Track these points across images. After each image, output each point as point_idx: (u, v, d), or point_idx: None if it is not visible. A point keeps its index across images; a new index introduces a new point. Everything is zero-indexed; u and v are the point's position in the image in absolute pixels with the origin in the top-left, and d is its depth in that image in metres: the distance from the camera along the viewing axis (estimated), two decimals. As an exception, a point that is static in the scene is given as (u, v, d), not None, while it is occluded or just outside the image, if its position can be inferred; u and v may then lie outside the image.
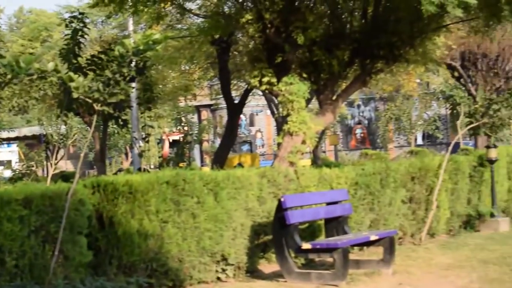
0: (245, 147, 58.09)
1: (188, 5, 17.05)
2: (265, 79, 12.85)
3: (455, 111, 21.44)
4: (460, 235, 14.97)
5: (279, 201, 10.71)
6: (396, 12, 13.00)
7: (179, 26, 23.56)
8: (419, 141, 54.21)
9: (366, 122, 58.27)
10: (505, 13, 12.28)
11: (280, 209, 10.65)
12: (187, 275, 10.17)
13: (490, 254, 12.46)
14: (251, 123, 59.10)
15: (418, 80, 43.83)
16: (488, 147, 15.87)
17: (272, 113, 33.82)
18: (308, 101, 18.78)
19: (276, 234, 10.83)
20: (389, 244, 11.21)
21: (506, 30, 19.38)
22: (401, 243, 13.73)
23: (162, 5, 14.99)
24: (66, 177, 21.30)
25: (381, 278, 10.83)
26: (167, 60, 25.31)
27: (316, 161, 25.03)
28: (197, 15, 17.62)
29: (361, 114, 58.28)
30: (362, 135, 58.67)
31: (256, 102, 44.77)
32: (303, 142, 12.80)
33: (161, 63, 26.31)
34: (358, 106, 57.28)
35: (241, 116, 51.40)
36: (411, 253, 12.82)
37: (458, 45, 19.20)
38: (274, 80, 12.84)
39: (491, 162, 15.58)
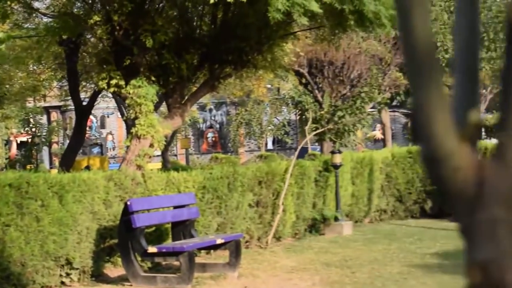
0: (96, 150, 57.21)
1: (36, 4, 16.68)
2: (113, 82, 12.74)
3: (303, 117, 21.85)
4: (305, 239, 15.28)
5: (125, 204, 10.65)
6: (244, 18, 13.13)
7: (27, 25, 22.98)
8: (270, 145, 54.94)
9: (217, 126, 58.51)
10: (350, 23, 12.61)
11: (126, 212, 10.59)
12: (30, 280, 9.96)
13: (333, 257, 12.78)
14: (102, 126, 58.28)
15: (268, 86, 44.45)
16: (333, 152, 16.27)
17: (123, 115, 33.49)
18: (158, 104, 18.68)
19: (122, 238, 10.76)
20: (235, 248, 11.33)
21: (352, 39, 19.94)
22: (248, 246, 13.89)
23: (9, 3, 14.59)
24: None
25: (227, 281, 10.93)
26: (13, 60, 24.62)
27: (166, 165, 24.98)
28: (45, 14, 17.25)
29: (212, 118, 58.47)
30: (213, 139, 58.87)
31: (107, 104, 44.20)
32: (151, 145, 12.76)
33: (7, 63, 25.60)
34: (210, 110, 57.44)
35: (92, 118, 50.77)
36: (257, 256, 13.00)
37: (305, 52, 19.59)
38: (122, 82, 12.74)
39: (336, 167, 15.97)
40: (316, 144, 28.63)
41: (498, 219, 1.03)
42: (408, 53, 1.04)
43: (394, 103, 41.89)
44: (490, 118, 36.21)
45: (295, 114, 46.54)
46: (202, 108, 54.88)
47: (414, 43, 1.02)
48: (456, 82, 1.09)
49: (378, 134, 49.37)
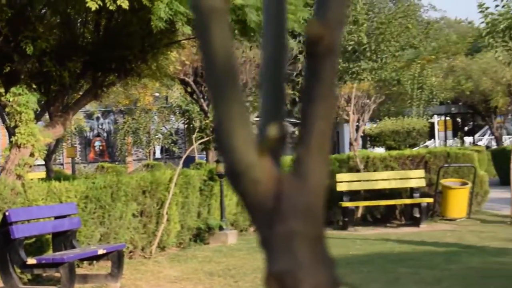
0: (-21, 159, 55.85)
1: None
2: (-8, 89, 12.45)
3: (191, 126, 21.84)
4: (189, 248, 15.26)
5: (4, 215, 10.42)
6: (128, 26, 13.06)
7: None
8: (158, 154, 54.72)
9: (105, 134, 57.91)
10: (234, 32, 12.69)
11: (5, 223, 10.36)
12: None
13: (216, 266, 12.80)
14: (-15, 134, 56.94)
15: (156, 94, 44.26)
16: (217, 161, 16.31)
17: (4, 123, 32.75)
18: (41, 112, 18.34)
19: (0, 250, 10.51)
20: (117, 258, 11.23)
21: (238, 48, 20.06)
22: (132, 256, 13.78)
23: None
24: None
25: (108, 292, 10.83)
26: None
27: (49, 174, 24.56)
28: None
29: (100, 126, 57.86)
30: (101, 147, 58.23)
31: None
32: (32, 154, 12.52)
33: None
34: (97, 118, 56.81)
35: (-26, 126, 49.46)
36: (140, 267, 12.91)
37: (191, 61, 19.59)
38: (2, 90, 12.47)
39: (221, 176, 16.01)
40: (204, 153, 28.66)
41: (295, 231, 1.06)
42: (208, 67, 1.05)
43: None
44: (374, 127, 37.03)
45: (183, 123, 46.59)
46: (89, 116, 54.24)
47: (213, 58, 1.03)
48: (263, 95, 1.12)
49: (266, 143, 49.69)
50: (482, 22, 18.07)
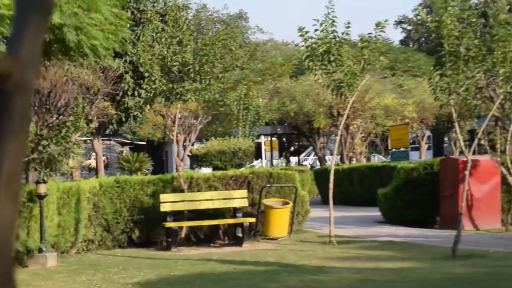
0: None
1: None
2: None
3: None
4: (7, 272, 14.79)
5: None
6: None
7: None
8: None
9: None
10: (55, 51, 12.48)
11: None
12: None
13: (31, 290, 12.50)
14: None
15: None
16: (37, 182, 15.92)
17: None
18: None
19: None
20: None
21: (61, 67, 19.75)
22: None
23: None
24: None
25: None
26: None
27: None
28: None
29: None
30: None
31: None
32: None
33: None
34: None
35: None
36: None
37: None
38: None
39: (40, 197, 15.64)
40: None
41: None
42: None
43: (107, 132, 41.88)
44: (201, 147, 37.27)
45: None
46: None
47: None
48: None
49: (93, 162, 49.15)
50: (302, 46, 18.56)
